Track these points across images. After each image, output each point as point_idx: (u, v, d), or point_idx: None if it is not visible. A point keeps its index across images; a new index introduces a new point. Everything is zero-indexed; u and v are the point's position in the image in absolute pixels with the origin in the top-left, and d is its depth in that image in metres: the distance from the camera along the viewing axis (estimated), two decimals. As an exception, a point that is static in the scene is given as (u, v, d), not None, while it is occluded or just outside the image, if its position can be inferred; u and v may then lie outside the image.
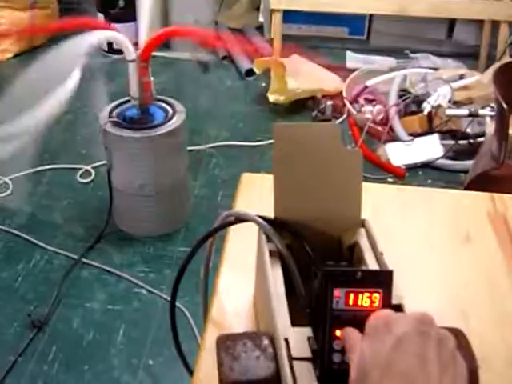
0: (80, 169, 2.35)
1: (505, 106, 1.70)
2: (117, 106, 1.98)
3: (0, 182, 2.29)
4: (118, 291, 1.87)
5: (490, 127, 2.19)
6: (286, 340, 0.58)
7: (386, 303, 0.55)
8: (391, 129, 2.52)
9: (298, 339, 0.58)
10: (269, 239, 0.68)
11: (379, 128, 2.55)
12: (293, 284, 0.66)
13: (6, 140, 1.47)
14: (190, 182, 2.20)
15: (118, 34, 1.83)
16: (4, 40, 2.96)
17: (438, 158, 2.42)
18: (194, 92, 2.90)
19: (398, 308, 0.59)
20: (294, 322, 0.60)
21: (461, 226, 0.95)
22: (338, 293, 0.55)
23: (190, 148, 2.23)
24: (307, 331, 0.59)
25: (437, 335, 0.50)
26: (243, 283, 0.80)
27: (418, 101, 2.58)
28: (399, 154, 2.45)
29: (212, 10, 3.27)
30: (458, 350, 0.51)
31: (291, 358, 0.57)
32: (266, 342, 0.60)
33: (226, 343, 0.59)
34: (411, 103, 2.59)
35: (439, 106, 2.49)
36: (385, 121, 2.56)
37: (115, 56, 3.10)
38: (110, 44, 3.10)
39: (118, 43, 1.85)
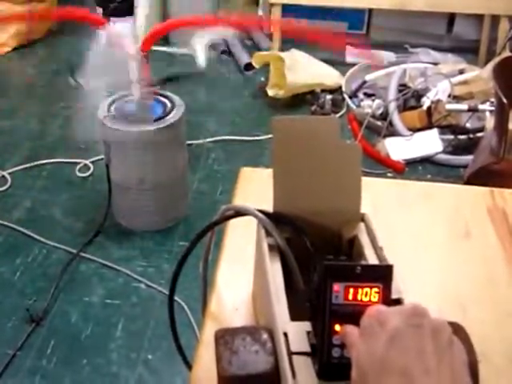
0: (79, 163, 2.35)
1: (504, 100, 1.69)
2: (115, 101, 1.98)
3: (-2, 176, 2.29)
4: (117, 285, 1.87)
5: (490, 122, 2.19)
6: (285, 334, 0.58)
7: (386, 298, 0.55)
8: (390, 123, 2.52)
9: (297, 333, 0.58)
10: (268, 233, 0.68)
11: (378, 123, 2.54)
12: (292, 278, 0.65)
13: None
14: (189, 176, 2.20)
15: (116, 29, 1.83)
16: (4, 25, 2.95)
17: (437, 153, 2.42)
18: (193, 86, 2.89)
19: (398, 302, 0.58)
20: (293, 317, 0.60)
21: (460, 221, 0.95)
22: (337, 287, 0.54)
23: (188, 142, 2.23)
24: (306, 326, 0.59)
25: (430, 326, 0.49)
26: (242, 277, 0.80)
27: (418, 95, 2.58)
28: (399, 148, 2.45)
29: (211, 3, 3.26)
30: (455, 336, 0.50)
31: (290, 353, 0.56)
32: (264, 336, 0.59)
33: (224, 337, 0.59)
34: (411, 98, 2.58)
35: (439, 101, 2.48)
36: (384, 115, 2.56)
37: (114, 50, 3.08)
38: (108, 38, 3.08)
39: (116, 37, 1.84)
